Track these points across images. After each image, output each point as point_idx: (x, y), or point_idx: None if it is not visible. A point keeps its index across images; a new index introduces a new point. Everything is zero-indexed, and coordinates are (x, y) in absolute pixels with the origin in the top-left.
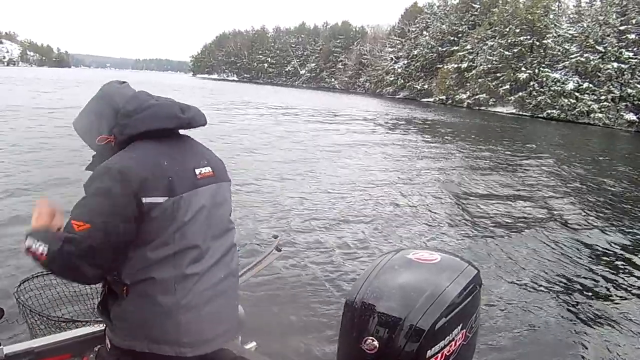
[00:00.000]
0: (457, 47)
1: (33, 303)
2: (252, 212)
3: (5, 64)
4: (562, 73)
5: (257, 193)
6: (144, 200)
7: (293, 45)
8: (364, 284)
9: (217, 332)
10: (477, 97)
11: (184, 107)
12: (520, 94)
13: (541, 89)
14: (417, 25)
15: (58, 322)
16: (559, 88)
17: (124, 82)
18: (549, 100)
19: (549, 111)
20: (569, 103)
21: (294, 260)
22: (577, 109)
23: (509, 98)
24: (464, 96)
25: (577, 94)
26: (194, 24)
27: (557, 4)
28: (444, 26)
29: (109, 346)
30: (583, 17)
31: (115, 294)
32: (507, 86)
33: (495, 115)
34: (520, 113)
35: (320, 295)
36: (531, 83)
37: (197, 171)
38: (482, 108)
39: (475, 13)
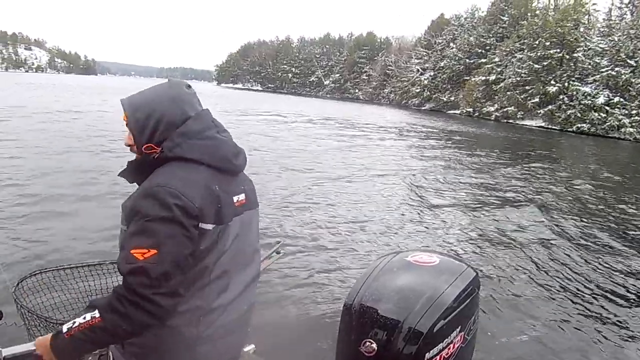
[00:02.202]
0: (485, 60)
1: (31, 302)
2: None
3: (34, 70)
4: (593, 87)
5: (261, 195)
6: (201, 225)
7: (317, 56)
8: (363, 286)
9: (227, 358)
10: (505, 109)
11: (239, 152)
12: (549, 107)
13: (571, 103)
14: (444, 36)
15: (57, 324)
16: (590, 102)
17: (181, 84)
18: (579, 114)
19: (579, 125)
20: (600, 117)
21: (293, 263)
22: (607, 123)
23: (538, 111)
24: (492, 109)
25: (607, 108)
26: (218, 34)
27: (587, 17)
28: (471, 38)
29: (111, 359)
30: (614, 30)
31: None
32: (537, 99)
33: (524, 128)
34: (550, 127)
35: (319, 297)
36: (561, 96)
37: (235, 198)
38: (510, 121)
39: (504, 25)
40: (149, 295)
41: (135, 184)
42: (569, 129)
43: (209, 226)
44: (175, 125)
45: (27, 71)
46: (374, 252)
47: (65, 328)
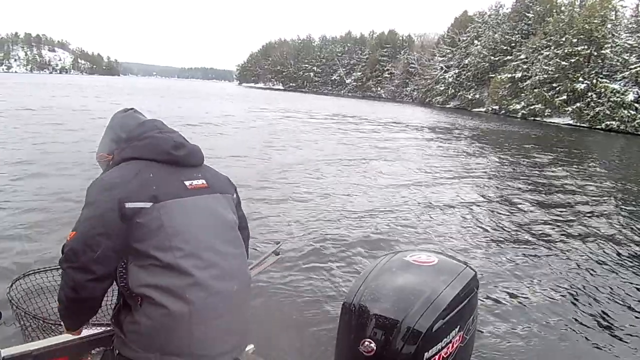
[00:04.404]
0: (510, 57)
1: (26, 303)
2: (255, 214)
3: (58, 71)
4: (622, 84)
5: (263, 193)
6: (127, 205)
7: (339, 54)
8: (362, 286)
9: (228, 345)
10: (532, 107)
11: (179, 145)
12: (577, 104)
13: (599, 100)
14: (468, 34)
15: (53, 325)
16: (619, 99)
17: (129, 110)
18: (607, 112)
19: (608, 122)
20: (629, 114)
21: (293, 263)
22: (637, 121)
23: (566, 109)
24: (518, 106)
25: (637, 105)
26: (239, 34)
27: (614, 13)
28: (496, 35)
29: (117, 352)
30: None
31: (130, 307)
32: (564, 96)
33: (551, 126)
34: (578, 124)
35: (318, 297)
36: (589, 93)
37: (187, 183)
38: (537, 118)
39: (529, 22)
40: (65, 268)
41: None
42: (597, 127)
43: (144, 204)
44: (117, 138)
45: (51, 72)
46: (373, 251)
47: None
